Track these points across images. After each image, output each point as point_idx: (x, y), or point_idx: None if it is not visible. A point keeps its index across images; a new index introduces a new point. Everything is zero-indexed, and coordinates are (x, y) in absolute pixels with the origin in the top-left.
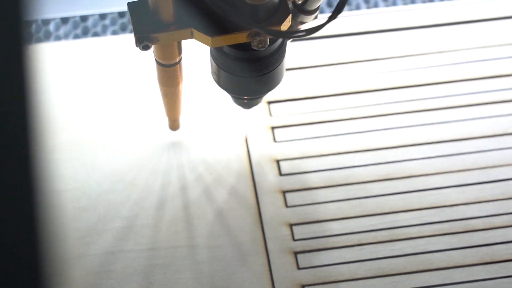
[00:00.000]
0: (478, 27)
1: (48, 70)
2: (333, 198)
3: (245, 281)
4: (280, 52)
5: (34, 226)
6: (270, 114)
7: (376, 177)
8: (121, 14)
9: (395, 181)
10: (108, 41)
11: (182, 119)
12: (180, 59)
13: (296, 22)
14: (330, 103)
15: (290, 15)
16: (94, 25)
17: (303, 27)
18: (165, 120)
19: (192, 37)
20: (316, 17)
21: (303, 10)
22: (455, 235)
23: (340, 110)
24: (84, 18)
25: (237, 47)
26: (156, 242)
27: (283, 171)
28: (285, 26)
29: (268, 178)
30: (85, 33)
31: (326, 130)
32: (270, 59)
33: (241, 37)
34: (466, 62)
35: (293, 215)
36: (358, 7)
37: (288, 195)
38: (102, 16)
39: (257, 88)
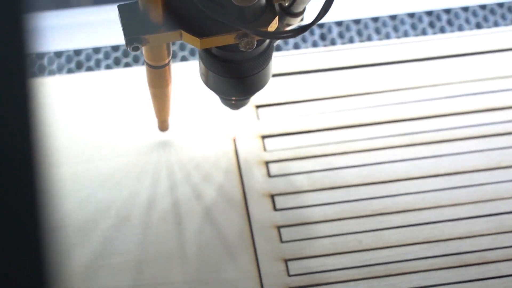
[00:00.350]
0: (471, 60)
1: (42, 105)
2: (328, 233)
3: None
4: (267, 54)
5: (40, 261)
6: (265, 149)
7: (370, 212)
8: (115, 48)
9: (389, 216)
10: (102, 75)
11: (171, 120)
12: (169, 61)
13: (282, 24)
14: (324, 137)
15: (277, 17)
16: (88, 59)
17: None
18: (155, 122)
19: (181, 39)
20: (302, 20)
21: (290, 12)
22: (449, 270)
23: (334, 144)
24: (77, 52)
25: (225, 48)
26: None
27: (278, 206)
28: (272, 27)
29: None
30: (79, 67)
31: (321, 164)
32: (257, 61)
33: (229, 39)
34: (459, 96)
35: (288, 248)
36: (351, 41)
37: (282, 229)
38: (96, 50)
39: (244, 89)
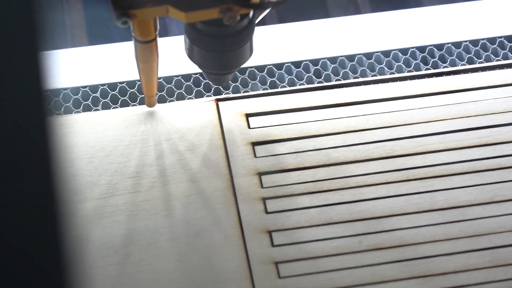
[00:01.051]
0: (463, 96)
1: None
2: (325, 268)
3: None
4: (248, 30)
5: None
6: (262, 186)
7: (366, 247)
8: (112, 87)
9: (385, 251)
10: (100, 113)
11: (158, 95)
12: (156, 36)
13: (264, 2)
14: (320, 173)
15: None
16: (85, 98)
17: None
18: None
19: (167, 14)
20: None
21: None
22: None
23: (330, 181)
24: (74, 91)
25: (210, 23)
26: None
27: (276, 242)
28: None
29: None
30: (76, 106)
31: (316, 200)
32: (239, 36)
33: (213, 13)
34: (452, 132)
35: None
36: (345, 78)
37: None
38: (93, 89)
39: (227, 63)
